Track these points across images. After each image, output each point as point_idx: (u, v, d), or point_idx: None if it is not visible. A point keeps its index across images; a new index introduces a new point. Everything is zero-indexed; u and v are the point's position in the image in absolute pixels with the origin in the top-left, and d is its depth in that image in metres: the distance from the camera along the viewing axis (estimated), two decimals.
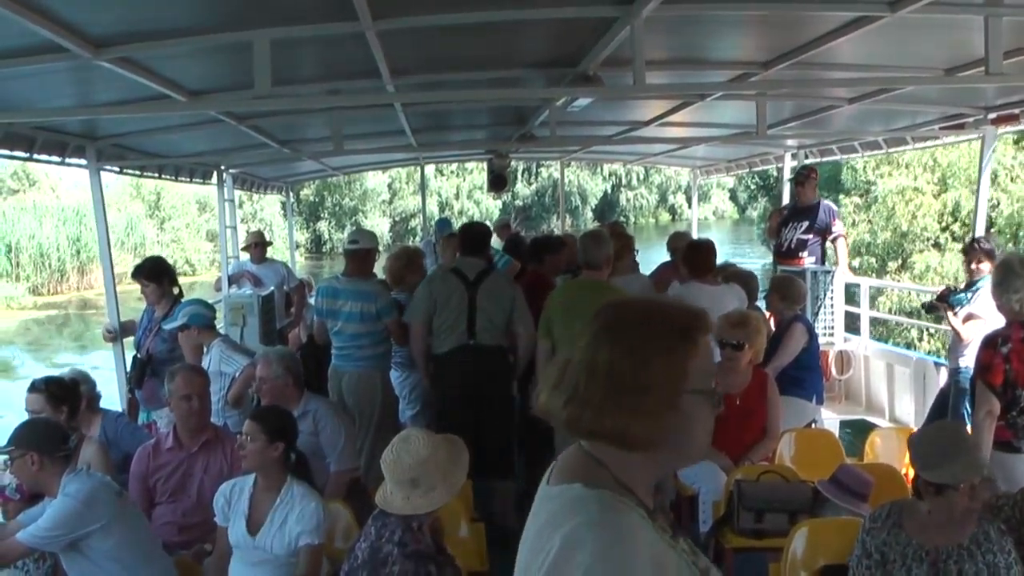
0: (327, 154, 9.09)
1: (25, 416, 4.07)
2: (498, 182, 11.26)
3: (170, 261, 6.58)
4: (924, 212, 18.04)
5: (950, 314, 5.76)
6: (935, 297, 6.03)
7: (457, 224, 8.80)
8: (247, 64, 4.01)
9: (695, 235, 11.40)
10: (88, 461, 3.96)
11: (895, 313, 15.33)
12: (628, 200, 57.05)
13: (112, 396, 5.68)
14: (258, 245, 8.58)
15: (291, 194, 14.00)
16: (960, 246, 17.81)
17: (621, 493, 1.44)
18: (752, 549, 4.06)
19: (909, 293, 16.40)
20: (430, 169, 32.47)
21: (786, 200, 9.26)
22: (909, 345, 14.45)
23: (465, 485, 3.69)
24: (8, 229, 31.65)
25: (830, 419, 7.02)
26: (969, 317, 5.62)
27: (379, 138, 8.75)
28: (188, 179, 9.23)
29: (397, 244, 32.67)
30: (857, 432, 7.11)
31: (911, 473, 3.40)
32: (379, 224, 41.12)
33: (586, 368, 1.47)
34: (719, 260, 6.21)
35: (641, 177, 56.33)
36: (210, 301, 5.98)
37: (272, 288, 7.91)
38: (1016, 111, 6.34)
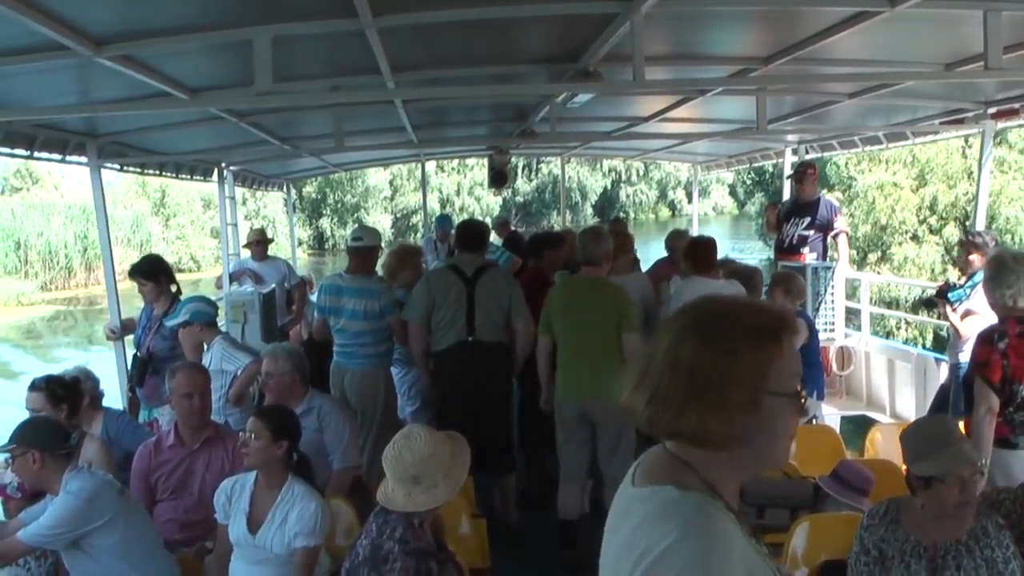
0: (328, 151, 9.10)
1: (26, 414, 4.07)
2: (499, 178, 11.27)
3: (175, 258, 6.59)
4: (903, 206, 18.46)
5: (949, 310, 5.76)
6: (934, 293, 6.03)
7: (458, 220, 8.81)
8: (248, 61, 4.02)
9: (695, 231, 11.40)
10: (90, 459, 3.96)
11: (875, 303, 15.50)
12: (628, 196, 56.97)
13: (113, 394, 5.68)
14: (259, 243, 8.57)
15: (292, 191, 13.99)
16: (936, 239, 18.14)
17: (712, 496, 1.43)
18: None
19: (888, 284, 16.69)
20: (431, 165, 32.45)
21: (786, 196, 9.25)
22: (888, 334, 14.54)
23: (466, 481, 3.68)
24: (17, 226, 31.77)
25: (831, 415, 7.02)
26: (967, 313, 5.62)
27: (380, 134, 8.73)
28: (189, 176, 9.23)
29: (398, 240, 32.70)
30: (858, 428, 7.10)
31: None
32: (381, 220, 41.21)
33: (668, 364, 1.45)
34: (719, 256, 6.20)
35: (641, 173, 56.27)
36: (213, 298, 5.99)
37: (273, 286, 7.90)
38: (1016, 106, 6.33)
